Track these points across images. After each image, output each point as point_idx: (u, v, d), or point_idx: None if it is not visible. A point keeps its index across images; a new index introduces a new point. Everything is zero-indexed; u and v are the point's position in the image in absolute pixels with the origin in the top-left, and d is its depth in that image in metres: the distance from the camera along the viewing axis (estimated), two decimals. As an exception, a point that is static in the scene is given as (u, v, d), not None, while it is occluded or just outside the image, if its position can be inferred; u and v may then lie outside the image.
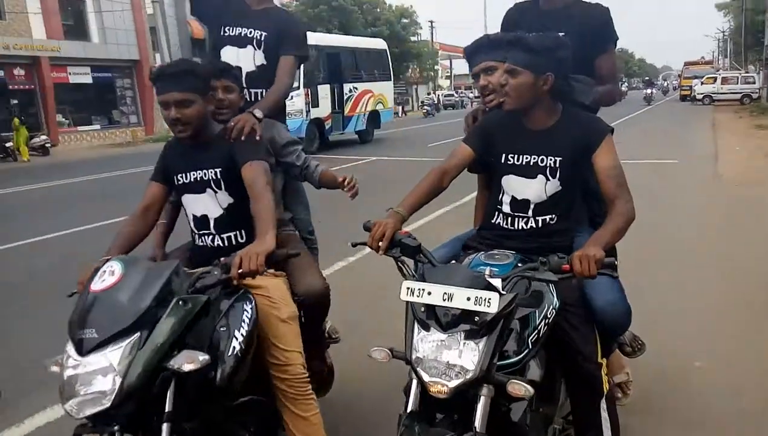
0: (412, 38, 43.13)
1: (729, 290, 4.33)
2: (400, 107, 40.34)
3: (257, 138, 2.17)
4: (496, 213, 2.11)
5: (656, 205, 6.97)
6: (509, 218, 2.08)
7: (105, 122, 27.04)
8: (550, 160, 1.99)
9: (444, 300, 1.51)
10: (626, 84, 67.08)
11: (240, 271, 1.73)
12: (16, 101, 22.82)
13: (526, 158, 2.03)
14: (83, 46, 24.89)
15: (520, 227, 2.06)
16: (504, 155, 2.07)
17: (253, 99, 2.63)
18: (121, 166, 14.77)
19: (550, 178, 2.00)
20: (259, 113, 2.29)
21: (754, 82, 32.24)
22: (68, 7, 24.94)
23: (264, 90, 2.65)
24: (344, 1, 36.42)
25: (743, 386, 2.97)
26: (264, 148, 2.22)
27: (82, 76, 25.43)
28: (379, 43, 21.13)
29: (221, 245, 2.14)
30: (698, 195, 8.05)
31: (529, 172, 2.02)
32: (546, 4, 2.48)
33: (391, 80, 20.80)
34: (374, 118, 19.19)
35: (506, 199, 2.08)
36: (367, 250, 1.91)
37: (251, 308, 1.87)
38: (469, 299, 1.48)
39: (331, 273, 4.67)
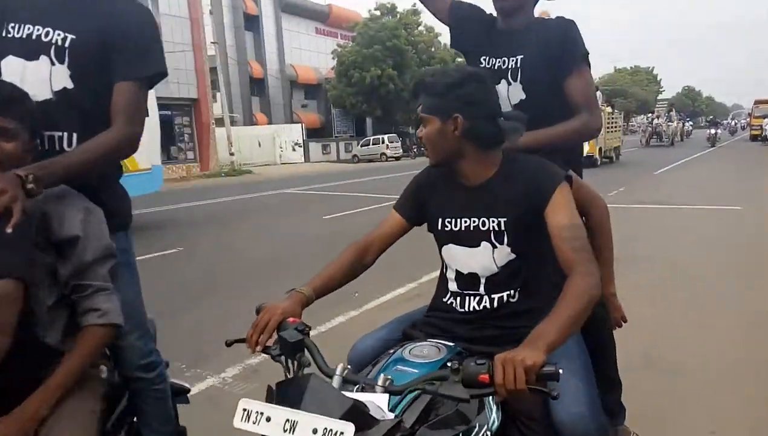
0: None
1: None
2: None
3: (7, 229, 1.27)
4: (446, 290, 1.74)
5: (711, 255, 6.29)
6: (459, 298, 1.69)
7: (164, 158, 27.98)
8: (493, 222, 1.63)
9: (285, 431, 1.08)
10: (690, 123, 64.44)
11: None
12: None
13: (465, 222, 1.67)
14: (146, 85, 26.00)
15: (471, 308, 1.66)
16: (440, 220, 1.72)
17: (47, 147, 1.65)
18: (169, 202, 15.11)
19: (496, 244, 1.62)
20: (38, 172, 1.39)
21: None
22: (134, 49, 26.21)
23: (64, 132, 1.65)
24: (398, 41, 36.91)
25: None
26: (20, 251, 1.32)
27: (143, 114, 26.51)
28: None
29: None
30: (762, 246, 7.25)
31: (470, 239, 1.66)
32: (504, 24, 2.09)
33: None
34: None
35: (451, 273, 1.71)
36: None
37: None
38: (315, 430, 1.06)
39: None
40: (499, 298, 1.63)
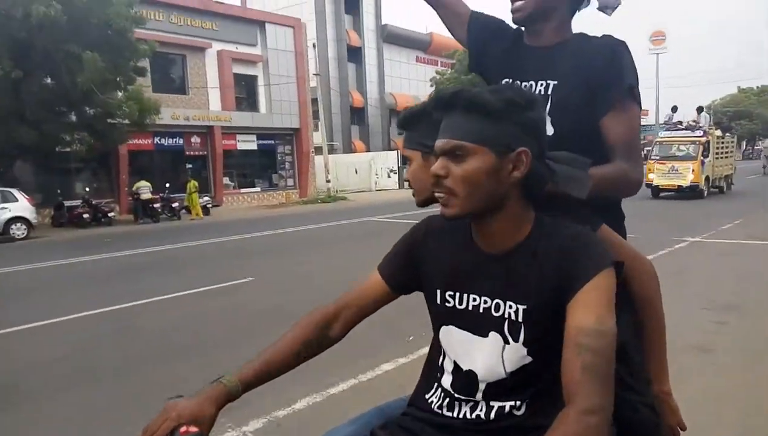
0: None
1: None
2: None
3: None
4: (435, 384, 1.32)
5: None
6: (448, 399, 1.27)
7: (266, 185, 29.35)
8: (510, 308, 1.18)
9: None
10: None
11: None
12: (191, 166, 25.72)
13: (474, 300, 1.23)
14: (251, 116, 27.51)
15: (461, 415, 1.24)
16: (439, 292, 1.28)
17: None
18: (266, 227, 15.65)
19: (510, 339, 1.18)
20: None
21: None
22: (242, 82, 27.89)
23: None
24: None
25: None
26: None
27: (248, 143, 28.02)
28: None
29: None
30: None
31: (477, 324, 1.22)
32: (529, 39, 1.64)
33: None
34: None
35: (448, 364, 1.28)
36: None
37: None
38: None
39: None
40: (500, 408, 1.22)
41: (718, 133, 19.91)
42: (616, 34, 1.61)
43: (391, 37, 43.43)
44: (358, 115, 42.38)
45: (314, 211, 22.24)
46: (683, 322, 4.91)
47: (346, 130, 41.03)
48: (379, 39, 43.01)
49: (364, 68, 41.89)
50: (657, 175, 18.05)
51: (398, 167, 37.10)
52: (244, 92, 28.22)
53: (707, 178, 18.25)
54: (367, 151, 40.24)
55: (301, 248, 11.59)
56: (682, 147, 18.22)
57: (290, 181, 30.07)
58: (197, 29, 25.19)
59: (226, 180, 27.58)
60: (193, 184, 20.39)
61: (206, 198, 21.99)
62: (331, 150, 39.58)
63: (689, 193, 17.67)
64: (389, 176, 36.84)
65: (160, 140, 24.53)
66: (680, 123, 20.12)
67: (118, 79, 18.21)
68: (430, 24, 48.20)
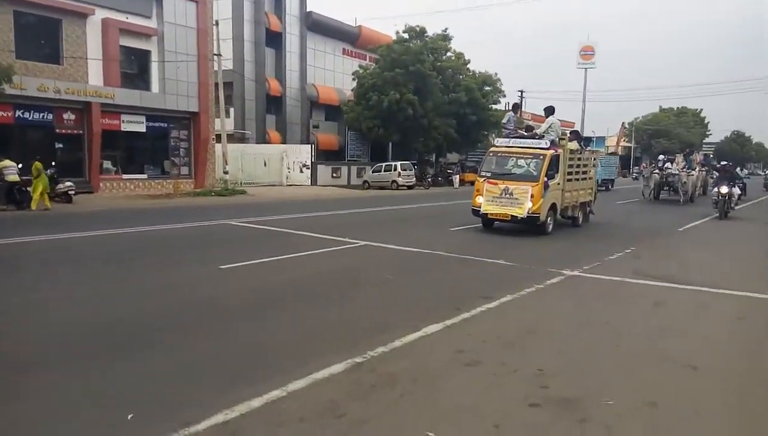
0: (494, 106, 40.78)
1: None
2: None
3: None
4: None
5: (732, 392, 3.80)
6: None
7: (157, 172, 26.56)
8: None
9: None
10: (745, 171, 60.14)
11: None
12: (60, 145, 22.68)
13: None
14: (140, 94, 24.67)
15: None
16: None
17: None
18: (134, 223, 13.29)
19: None
20: None
21: None
22: (131, 56, 24.99)
23: None
24: (422, 66, 35.00)
25: None
26: None
27: (136, 125, 25.17)
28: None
29: None
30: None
31: None
32: None
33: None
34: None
35: None
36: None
37: None
38: None
39: None
40: None
41: (573, 145, 14.37)
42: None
43: (316, 25, 41.19)
44: (275, 104, 39.91)
45: (194, 205, 19.88)
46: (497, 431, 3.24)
47: (260, 119, 38.49)
48: (302, 26, 40.68)
49: (284, 55, 39.47)
50: (486, 199, 12.87)
51: (312, 162, 35.06)
52: (135, 68, 25.33)
53: (553, 207, 13.10)
54: (283, 143, 37.91)
55: (68, 264, 9.39)
56: (521, 162, 13.07)
57: (185, 170, 27.38)
58: (78, -9, 22.18)
59: (107, 164, 24.64)
60: (36, 166, 17.11)
61: (68, 183, 19.10)
62: (242, 139, 37.10)
63: (527, 225, 12.70)
64: (302, 171, 34.73)
65: (23, 114, 21.36)
66: (528, 128, 15.34)
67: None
68: (360, 16, 46.34)
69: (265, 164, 33.86)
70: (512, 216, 12.52)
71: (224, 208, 18.37)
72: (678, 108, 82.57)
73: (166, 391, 4.05)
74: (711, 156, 54.57)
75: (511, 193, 12.57)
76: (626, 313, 6.54)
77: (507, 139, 13.84)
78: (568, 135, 15.21)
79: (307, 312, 6.22)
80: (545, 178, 12.57)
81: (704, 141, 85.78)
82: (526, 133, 14.44)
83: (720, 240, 13.24)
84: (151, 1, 25.01)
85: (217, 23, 26.93)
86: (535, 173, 12.65)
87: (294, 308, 6.40)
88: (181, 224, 13.80)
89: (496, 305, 6.57)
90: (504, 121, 15.38)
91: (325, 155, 39.92)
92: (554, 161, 13.03)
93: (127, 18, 24.06)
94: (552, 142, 13.22)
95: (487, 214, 12.94)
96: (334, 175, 36.77)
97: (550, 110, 14.00)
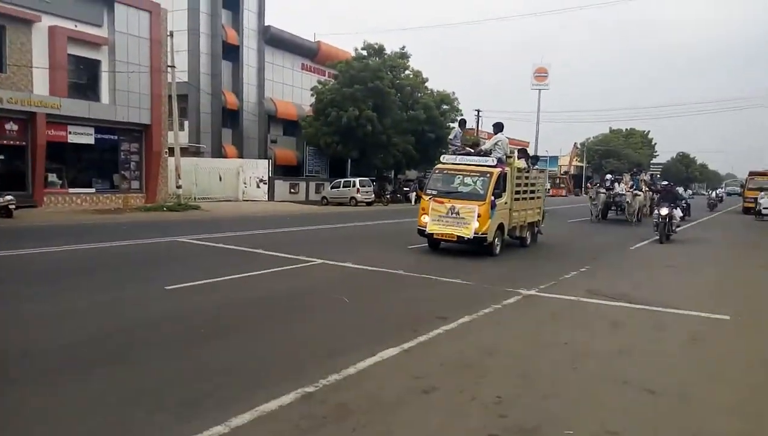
0: (451, 124, 41.22)
1: None
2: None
3: None
4: None
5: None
6: None
7: (106, 186, 25.54)
8: None
9: None
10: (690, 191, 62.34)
11: None
12: (2, 157, 21.57)
13: None
14: (89, 105, 23.75)
15: None
16: None
17: None
18: (76, 239, 12.57)
19: None
20: None
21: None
22: (80, 66, 24.11)
23: None
24: (381, 82, 35.11)
25: None
26: None
27: (83, 136, 24.14)
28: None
29: None
30: (754, 399, 4.67)
31: None
32: None
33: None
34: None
35: None
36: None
37: None
38: None
39: None
40: None
41: (521, 163, 14.15)
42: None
43: (274, 39, 40.88)
44: (232, 117, 39.24)
45: (144, 220, 19.15)
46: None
47: (216, 132, 37.75)
48: (260, 40, 40.30)
49: (242, 69, 38.94)
50: (432, 218, 12.28)
51: (269, 177, 34.52)
52: (83, 78, 24.42)
53: (501, 227, 12.64)
54: (239, 157, 37.24)
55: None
56: (468, 180, 12.65)
57: (135, 184, 26.44)
58: (23, -3, 21.28)
59: (52, 177, 23.55)
60: None
61: (8, 197, 18.14)
62: (197, 152, 36.25)
63: (474, 246, 12.25)
64: (258, 186, 34.12)
65: (-40, 123, 20.26)
66: (474, 145, 14.96)
67: None
68: (319, 31, 46.31)
69: (220, 179, 33.13)
70: (458, 236, 11.97)
71: (176, 225, 17.74)
72: (627, 129, 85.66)
73: (94, 421, 3.69)
74: (658, 176, 56.54)
75: (458, 213, 12.05)
76: (584, 334, 6.48)
77: (453, 157, 13.29)
78: (516, 153, 14.87)
79: (255, 337, 5.91)
80: (492, 197, 12.13)
81: (651, 161, 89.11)
82: (472, 151, 13.88)
83: (670, 259, 13.53)
84: (102, 10, 24.24)
85: (171, 34, 26.28)
86: (482, 192, 12.21)
87: (242, 333, 6.07)
88: (127, 241, 13.19)
89: (454, 326, 6.42)
90: (450, 137, 14.72)
91: (282, 171, 39.40)
92: (501, 179, 12.59)
93: (76, 26, 23.20)
94: (499, 159, 12.76)
95: (432, 234, 12.35)
96: (292, 190, 36.30)
97: (498, 127, 13.70)
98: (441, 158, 13.68)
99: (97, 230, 15.30)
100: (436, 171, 13.35)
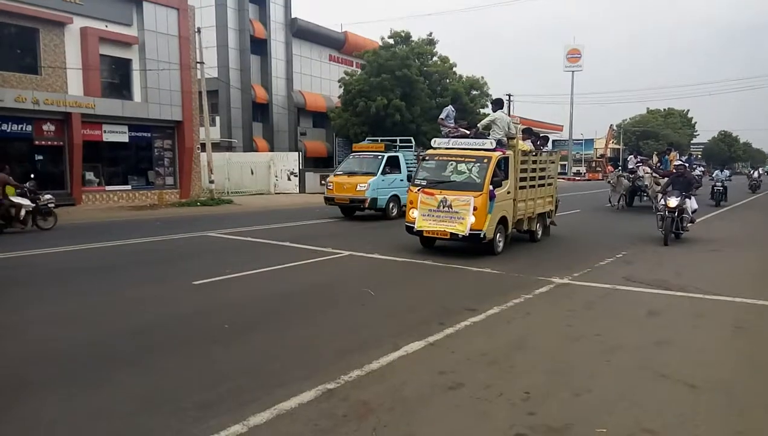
0: (482, 110, 40.59)
1: None
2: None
3: None
4: None
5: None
6: None
7: (141, 182, 26.03)
8: None
9: None
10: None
11: None
12: (41, 157, 22.16)
13: None
14: (122, 104, 24.20)
15: None
16: None
17: None
18: (111, 236, 12.80)
19: None
20: None
21: None
22: (112, 65, 24.53)
23: None
24: (409, 71, 34.76)
25: None
26: None
27: (118, 135, 24.64)
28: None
29: None
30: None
31: None
32: None
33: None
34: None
35: None
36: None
37: None
38: None
39: None
40: None
41: (526, 146, 11.94)
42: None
43: (301, 32, 40.89)
44: (262, 111, 39.51)
45: (179, 215, 19.42)
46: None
47: (247, 127, 38.09)
48: (288, 33, 40.37)
49: (270, 62, 39.11)
50: (422, 212, 10.41)
51: (300, 170, 34.65)
52: (116, 77, 24.85)
53: (503, 221, 10.70)
54: (270, 150, 37.50)
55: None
56: (461, 166, 10.60)
57: (169, 180, 26.89)
58: (55, 0, 21.69)
59: (90, 175, 24.13)
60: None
61: (48, 196, 18.60)
62: (229, 147, 36.64)
63: (471, 244, 10.50)
64: (289, 179, 34.29)
65: (0, 126, 20.84)
66: (470, 126, 12.51)
67: None
68: (345, 22, 46.21)
69: (252, 173, 33.40)
70: (452, 234, 10.13)
71: (208, 219, 17.94)
72: (665, 109, 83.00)
73: (112, 426, 3.67)
74: (699, 156, 54.34)
75: (450, 206, 10.15)
76: (619, 324, 6.22)
77: (446, 140, 11.27)
78: (521, 133, 12.64)
79: (277, 332, 5.84)
80: (491, 187, 10.18)
81: (692, 142, 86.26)
82: (468, 133, 11.66)
83: (712, 244, 12.97)
84: (131, 9, 24.59)
85: (199, 31, 26.51)
86: (478, 180, 10.20)
87: (265, 328, 6.02)
88: (160, 236, 13.37)
89: (482, 319, 6.24)
90: (442, 116, 12.52)
91: (313, 162, 39.52)
92: (502, 165, 10.75)
93: (106, 26, 23.60)
94: (499, 141, 10.76)
95: (422, 231, 10.45)
96: (323, 182, 36.34)
97: (498, 103, 11.96)
98: (432, 142, 11.57)
99: (132, 227, 15.57)
100: (426, 157, 11.39)
